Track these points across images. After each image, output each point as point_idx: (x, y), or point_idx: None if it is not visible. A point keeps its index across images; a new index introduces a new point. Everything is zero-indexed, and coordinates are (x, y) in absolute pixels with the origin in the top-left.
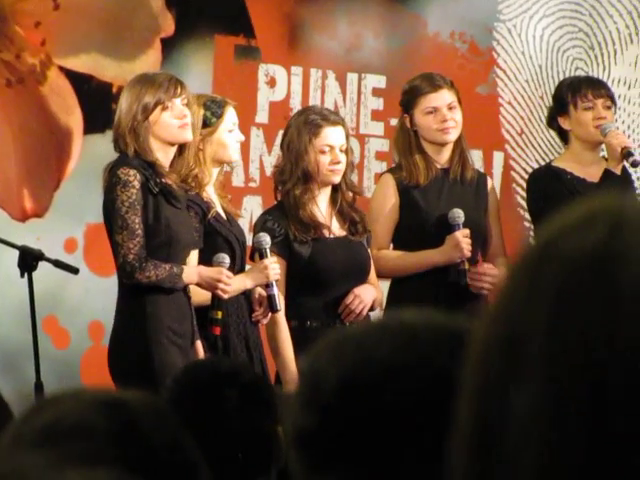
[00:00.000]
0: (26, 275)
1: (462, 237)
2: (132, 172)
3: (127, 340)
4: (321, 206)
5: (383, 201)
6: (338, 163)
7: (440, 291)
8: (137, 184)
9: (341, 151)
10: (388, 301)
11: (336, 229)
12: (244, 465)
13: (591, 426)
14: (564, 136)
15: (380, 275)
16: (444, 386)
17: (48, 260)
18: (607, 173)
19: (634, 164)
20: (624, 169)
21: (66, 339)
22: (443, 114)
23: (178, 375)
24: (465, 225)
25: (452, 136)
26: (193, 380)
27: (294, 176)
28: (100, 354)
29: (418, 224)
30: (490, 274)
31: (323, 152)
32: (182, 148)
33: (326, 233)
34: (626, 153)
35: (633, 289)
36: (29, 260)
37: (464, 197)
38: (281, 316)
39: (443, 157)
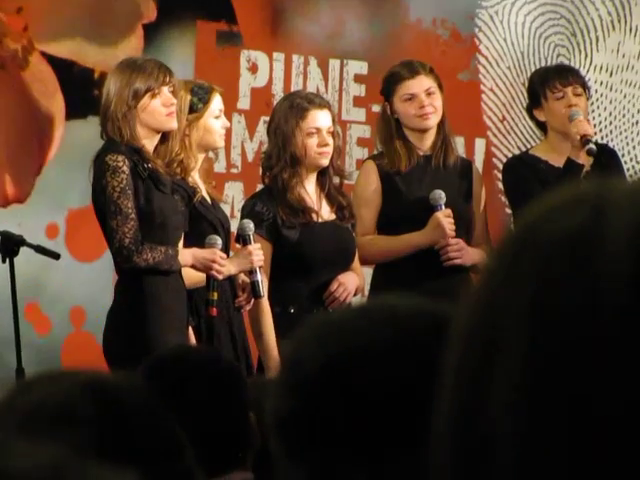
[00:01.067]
0: (7, 261)
1: (444, 217)
2: (120, 158)
3: (126, 322)
4: (309, 190)
5: (365, 187)
6: (326, 145)
7: (423, 275)
8: (126, 169)
9: (329, 133)
10: (372, 286)
11: (325, 213)
12: (217, 457)
13: (571, 411)
14: (543, 127)
15: (365, 261)
16: (426, 371)
17: (29, 245)
18: (569, 161)
19: (589, 152)
20: (613, 155)
21: (47, 325)
22: (421, 100)
23: (144, 367)
24: (449, 209)
25: (431, 122)
26: (160, 371)
27: (282, 160)
28: (81, 340)
29: (400, 210)
30: (458, 247)
31: (310, 135)
32: (165, 136)
33: (315, 217)
34: (584, 141)
35: (610, 268)
36: (10, 245)
37: (447, 183)
38: (265, 301)
39: (426, 144)
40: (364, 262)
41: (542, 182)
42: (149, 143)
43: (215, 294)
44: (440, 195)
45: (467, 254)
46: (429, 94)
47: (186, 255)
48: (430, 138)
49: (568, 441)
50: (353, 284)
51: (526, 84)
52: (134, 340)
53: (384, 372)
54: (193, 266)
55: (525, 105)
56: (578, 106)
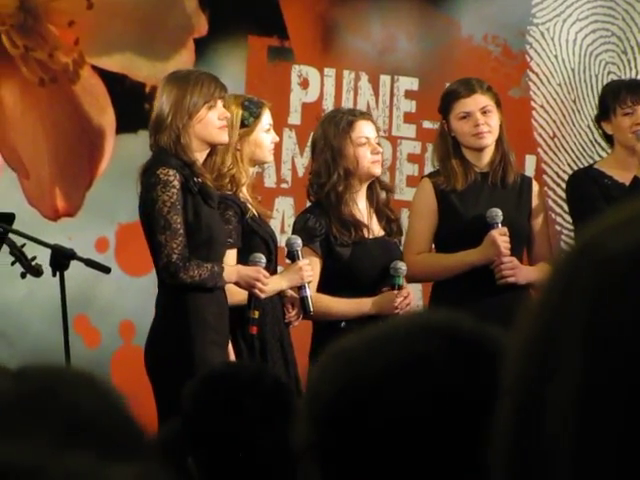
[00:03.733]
0: (58, 274)
1: (499, 235)
2: (172, 172)
3: (168, 338)
4: (360, 205)
5: (422, 205)
6: (378, 153)
7: (480, 292)
8: (177, 184)
9: (377, 143)
10: (431, 302)
11: (375, 228)
12: (268, 472)
13: (625, 429)
14: (610, 140)
15: (419, 279)
16: (437, 403)
17: (80, 259)
18: (636, 180)
19: None
20: None
21: (97, 338)
22: (476, 119)
23: (195, 387)
24: (505, 227)
25: (487, 141)
26: (212, 392)
27: (334, 175)
28: (130, 353)
29: (456, 228)
30: (512, 265)
31: (361, 145)
32: (212, 149)
33: (366, 233)
34: None
35: None
36: (61, 259)
37: (505, 200)
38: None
39: (483, 161)
40: (418, 280)
41: (606, 198)
42: (200, 156)
43: (256, 312)
44: (497, 213)
45: (521, 272)
46: (484, 112)
47: (231, 272)
48: (488, 156)
49: (619, 459)
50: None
51: (577, 101)
52: (175, 355)
53: (391, 405)
54: (237, 283)
55: (579, 121)
56: None
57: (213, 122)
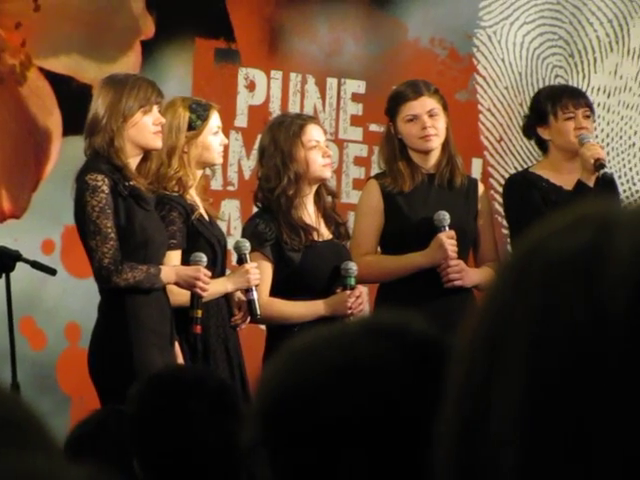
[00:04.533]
0: (3, 276)
1: (446, 238)
2: (100, 177)
3: (108, 341)
4: (309, 209)
5: (368, 206)
6: (329, 156)
7: (426, 294)
8: (106, 188)
9: (326, 146)
10: (377, 305)
11: (324, 232)
12: (215, 474)
13: (571, 430)
14: (543, 145)
15: (366, 280)
16: (385, 403)
17: (26, 261)
18: (579, 183)
19: (604, 177)
20: (611, 179)
21: (42, 340)
22: (423, 121)
23: (140, 389)
24: (452, 229)
25: (433, 144)
26: (157, 393)
27: (284, 179)
28: (77, 355)
29: (402, 229)
30: (458, 268)
31: (312, 148)
32: (146, 154)
33: (316, 236)
34: (598, 165)
35: (617, 290)
36: (6, 261)
37: (452, 202)
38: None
39: (429, 163)
40: (364, 281)
41: (545, 201)
42: (132, 161)
43: (199, 312)
44: (444, 216)
45: (467, 275)
46: (431, 115)
47: (169, 272)
48: (434, 158)
49: (564, 457)
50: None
51: (524, 104)
52: (115, 358)
53: (334, 406)
54: (177, 283)
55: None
56: (587, 129)
57: (148, 127)
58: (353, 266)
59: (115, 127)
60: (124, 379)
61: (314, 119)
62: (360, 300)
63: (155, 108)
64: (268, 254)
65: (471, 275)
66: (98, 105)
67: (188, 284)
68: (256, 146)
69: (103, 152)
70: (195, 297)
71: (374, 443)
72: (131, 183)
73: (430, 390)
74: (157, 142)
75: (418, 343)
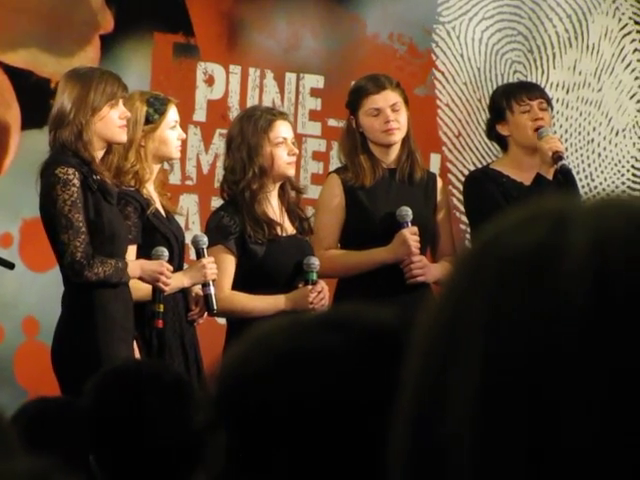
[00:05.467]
0: None
1: (410, 234)
2: (71, 170)
3: (75, 334)
4: (273, 204)
5: (329, 201)
6: (295, 154)
7: (386, 289)
8: (77, 182)
9: (292, 143)
10: (336, 300)
11: (288, 227)
12: (173, 468)
13: (525, 418)
14: (503, 143)
15: (328, 275)
16: (338, 393)
17: None
18: (538, 177)
19: (562, 169)
20: (568, 171)
21: (0, 334)
22: (386, 115)
23: (96, 383)
24: (414, 224)
25: (396, 137)
26: (113, 387)
27: (249, 173)
28: (34, 349)
29: (364, 224)
30: (421, 264)
31: (278, 144)
32: (109, 148)
33: (279, 231)
34: (556, 158)
35: (572, 285)
36: None
37: (412, 197)
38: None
39: (390, 157)
40: (325, 276)
41: (505, 196)
42: (98, 154)
43: (161, 306)
44: (407, 212)
45: (430, 271)
46: (394, 110)
47: (134, 267)
48: (394, 152)
49: (523, 452)
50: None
51: (482, 100)
52: (82, 352)
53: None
54: (140, 278)
55: (484, 120)
56: (544, 120)
57: (114, 121)
58: (315, 261)
59: (84, 120)
60: (90, 373)
61: (284, 115)
62: (322, 295)
63: (121, 102)
64: (232, 247)
65: (433, 271)
66: (64, 99)
67: (152, 278)
68: (214, 140)
69: (70, 145)
70: (157, 291)
71: (317, 430)
72: (98, 177)
73: (380, 380)
74: (123, 136)
75: (368, 333)
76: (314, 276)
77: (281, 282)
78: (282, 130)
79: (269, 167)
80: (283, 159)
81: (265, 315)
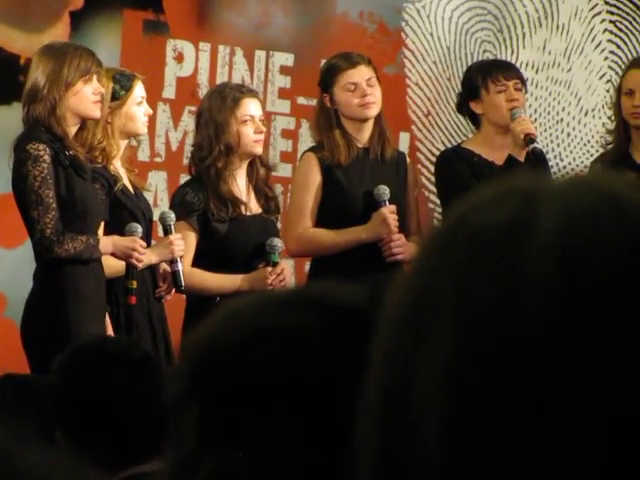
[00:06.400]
0: None
1: (389, 213)
2: (42, 147)
3: (45, 311)
4: (239, 182)
5: (306, 179)
6: (262, 132)
7: (360, 268)
8: (48, 158)
9: (261, 121)
10: (309, 279)
11: (253, 206)
12: (136, 445)
13: (491, 399)
14: (475, 120)
15: (306, 254)
16: (293, 367)
17: None
18: (510, 158)
19: (534, 152)
20: (540, 154)
21: None
22: (363, 89)
23: (64, 359)
24: (394, 205)
25: (372, 112)
26: (81, 364)
27: (215, 150)
28: (2, 326)
29: (342, 203)
30: (401, 243)
31: (245, 123)
32: (83, 124)
33: (243, 210)
34: (528, 140)
35: (539, 262)
36: None
37: (385, 176)
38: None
39: (364, 136)
40: (302, 255)
41: (476, 176)
42: (71, 130)
43: (134, 282)
44: (384, 190)
45: (409, 249)
46: (370, 85)
47: (106, 243)
48: (368, 130)
49: (489, 433)
50: (290, 274)
51: (452, 79)
52: (53, 328)
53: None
54: (113, 254)
55: (453, 99)
56: (519, 101)
57: (88, 96)
58: (278, 243)
59: (57, 96)
60: (60, 350)
61: (253, 93)
62: (281, 277)
63: (95, 78)
64: (193, 224)
65: (411, 249)
66: (38, 74)
67: (125, 255)
68: (183, 117)
69: (43, 121)
70: (130, 268)
71: (289, 404)
72: (71, 152)
73: (350, 357)
74: (96, 111)
75: (341, 310)
76: (276, 258)
77: (241, 262)
78: (250, 108)
79: (235, 145)
80: (250, 137)
81: (223, 294)
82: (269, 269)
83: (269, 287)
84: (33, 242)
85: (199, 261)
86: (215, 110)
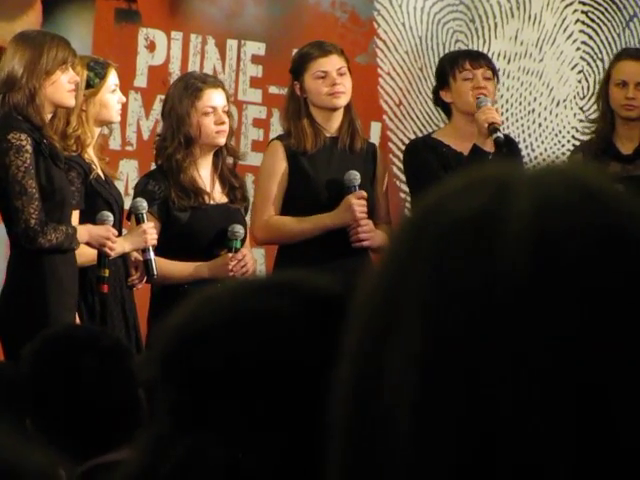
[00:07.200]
0: None
1: (355, 199)
2: (24, 136)
3: (24, 300)
4: (203, 172)
5: (272, 167)
6: (223, 123)
7: (326, 254)
8: (30, 148)
9: (224, 112)
10: (276, 265)
11: (217, 195)
12: (106, 433)
13: (462, 388)
14: (447, 110)
15: (273, 242)
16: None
17: None
18: (474, 148)
19: (497, 141)
20: (501, 144)
21: None
22: (333, 78)
23: (34, 347)
24: (363, 191)
25: (341, 101)
26: (51, 351)
27: (175, 141)
28: None
29: (307, 191)
30: (368, 229)
31: (206, 114)
32: (55, 112)
33: (207, 199)
34: (492, 129)
35: (511, 251)
36: None
37: (353, 166)
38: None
39: (332, 125)
40: (269, 242)
41: (445, 166)
42: (47, 118)
43: (107, 271)
44: (355, 176)
45: (377, 236)
46: (341, 74)
47: (82, 232)
48: (337, 120)
49: (460, 416)
50: (252, 261)
51: (423, 69)
52: (29, 317)
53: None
54: (88, 243)
55: (425, 89)
56: (487, 89)
57: (64, 85)
58: (240, 229)
59: (37, 85)
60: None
61: (216, 83)
62: (243, 263)
63: (70, 67)
64: (155, 213)
65: (379, 236)
66: (15, 62)
67: (99, 243)
68: (155, 106)
69: (22, 110)
70: (102, 256)
71: (262, 389)
72: (48, 142)
73: (322, 344)
74: (71, 100)
75: (312, 297)
76: (237, 244)
77: (204, 249)
78: (212, 99)
79: (196, 136)
80: (210, 128)
81: (185, 282)
82: (230, 255)
83: (230, 273)
84: (17, 233)
85: (162, 250)
86: (177, 101)
